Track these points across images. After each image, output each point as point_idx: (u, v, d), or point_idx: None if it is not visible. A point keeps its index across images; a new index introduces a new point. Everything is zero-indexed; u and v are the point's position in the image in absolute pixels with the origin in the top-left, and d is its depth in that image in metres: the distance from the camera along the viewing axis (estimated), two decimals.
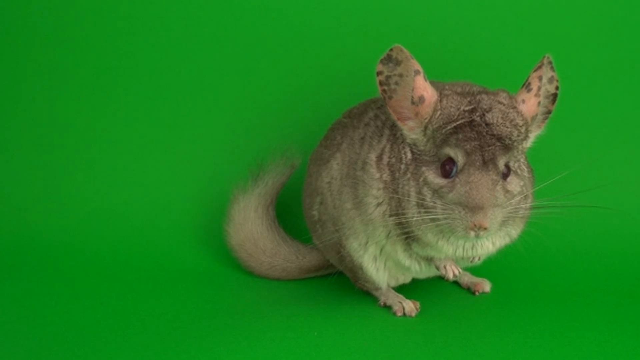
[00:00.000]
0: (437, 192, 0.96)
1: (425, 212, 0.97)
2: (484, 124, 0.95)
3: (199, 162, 1.40)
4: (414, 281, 1.16)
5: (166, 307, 1.14)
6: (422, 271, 1.10)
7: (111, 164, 1.41)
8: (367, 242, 1.08)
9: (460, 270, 1.06)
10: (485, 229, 0.93)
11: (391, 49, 0.98)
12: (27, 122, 1.42)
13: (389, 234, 1.04)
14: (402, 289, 1.15)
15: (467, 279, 1.21)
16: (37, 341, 1.02)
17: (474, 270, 1.20)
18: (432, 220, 0.96)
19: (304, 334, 1.02)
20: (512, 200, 0.96)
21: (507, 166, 0.97)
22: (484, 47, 1.33)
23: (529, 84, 1.00)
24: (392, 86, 0.99)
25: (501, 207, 0.95)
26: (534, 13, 1.33)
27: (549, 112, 1.03)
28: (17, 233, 1.39)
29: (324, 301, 1.16)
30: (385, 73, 0.99)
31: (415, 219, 0.98)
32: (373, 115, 1.10)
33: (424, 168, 0.98)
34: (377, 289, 1.14)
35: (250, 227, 1.27)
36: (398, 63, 0.98)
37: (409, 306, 1.10)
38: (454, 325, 1.06)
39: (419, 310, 1.11)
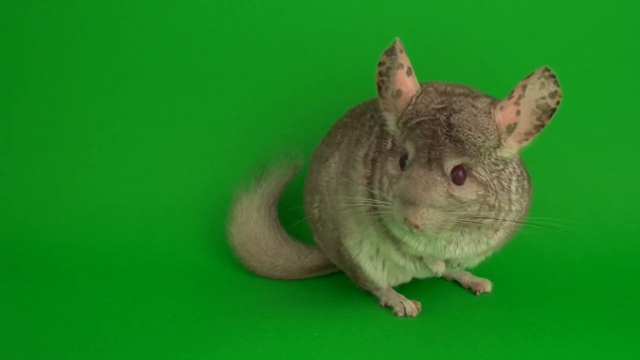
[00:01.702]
0: (390, 182, 0.97)
1: (372, 201, 0.98)
2: (445, 124, 0.94)
3: (201, 162, 1.39)
4: (415, 281, 1.16)
5: (166, 307, 1.14)
6: (417, 271, 1.10)
7: (111, 164, 1.41)
8: (361, 241, 1.09)
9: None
10: (416, 226, 0.92)
11: (394, 42, 1.00)
12: (27, 122, 1.42)
13: (379, 232, 1.05)
14: (403, 289, 1.15)
15: (468, 278, 1.21)
16: (37, 341, 1.02)
17: (475, 271, 1.20)
18: (375, 208, 0.98)
19: (305, 334, 1.02)
20: (464, 206, 0.93)
21: (463, 171, 0.94)
22: (485, 48, 1.33)
23: (512, 91, 0.96)
24: (390, 77, 1.00)
25: (442, 210, 0.92)
26: (536, 14, 1.33)
27: (542, 125, 0.96)
28: (17, 233, 1.39)
29: (325, 301, 1.16)
30: (387, 64, 1.00)
31: (362, 206, 1.00)
32: (369, 116, 1.10)
33: (390, 158, 0.99)
34: (378, 289, 1.14)
35: (253, 227, 1.27)
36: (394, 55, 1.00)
37: (410, 306, 1.10)
38: (455, 326, 1.06)
39: (420, 310, 1.11)
